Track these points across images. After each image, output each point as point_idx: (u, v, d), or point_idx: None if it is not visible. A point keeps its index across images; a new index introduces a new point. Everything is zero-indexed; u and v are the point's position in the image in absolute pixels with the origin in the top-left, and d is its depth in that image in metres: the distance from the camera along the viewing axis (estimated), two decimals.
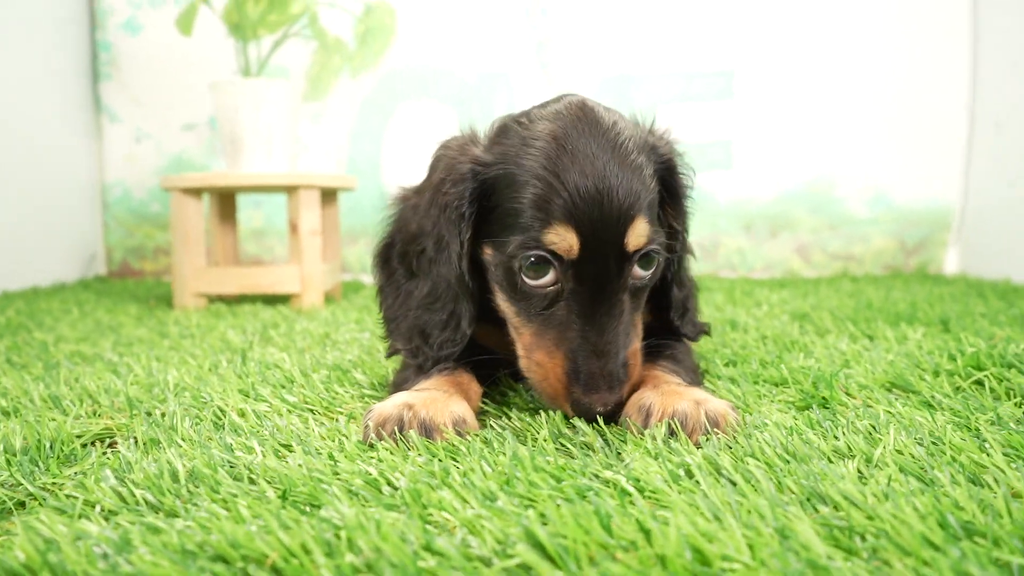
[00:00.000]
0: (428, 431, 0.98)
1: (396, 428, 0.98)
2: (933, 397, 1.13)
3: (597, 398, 1.00)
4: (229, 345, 1.76)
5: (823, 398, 1.16)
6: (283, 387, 1.28)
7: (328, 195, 2.83)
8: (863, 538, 0.67)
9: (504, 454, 0.90)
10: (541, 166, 1.02)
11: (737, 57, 3.51)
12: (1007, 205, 3.16)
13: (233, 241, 2.93)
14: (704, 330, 1.30)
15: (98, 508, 0.79)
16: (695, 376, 1.19)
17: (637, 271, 1.05)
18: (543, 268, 1.03)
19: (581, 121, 1.06)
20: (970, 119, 3.41)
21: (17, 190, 3.02)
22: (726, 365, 1.41)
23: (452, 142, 1.17)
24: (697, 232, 3.50)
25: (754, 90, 3.52)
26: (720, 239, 3.56)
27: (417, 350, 1.15)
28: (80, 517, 0.77)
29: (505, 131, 1.12)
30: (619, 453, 0.93)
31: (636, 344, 1.07)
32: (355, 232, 3.62)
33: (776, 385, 1.27)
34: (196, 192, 2.57)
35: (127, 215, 3.63)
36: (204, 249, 2.59)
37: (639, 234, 1.02)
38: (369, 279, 3.60)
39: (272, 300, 2.71)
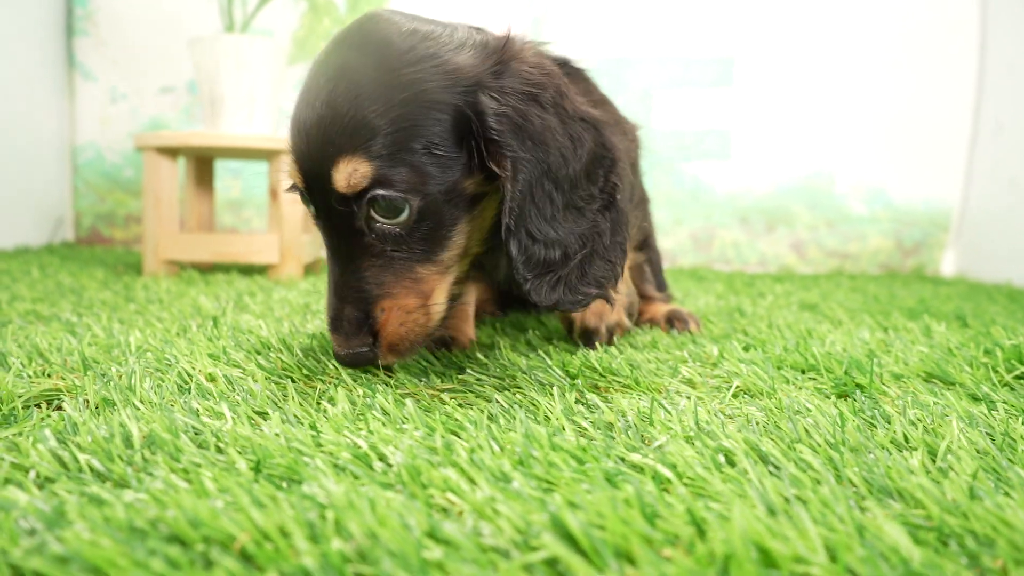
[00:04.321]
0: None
1: None
2: (980, 390, 1.02)
3: (335, 339, 0.93)
4: (200, 311, 1.62)
5: (859, 386, 1.05)
6: (258, 353, 1.15)
7: None
8: (960, 543, 0.55)
9: (514, 431, 0.78)
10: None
11: (737, 44, 3.40)
12: (1008, 208, 3.08)
13: (209, 210, 2.77)
14: (578, 303, 1.00)
15: (32, 474, 0.66)
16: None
17: (377, 217, 0.90)
18: (306, 200, 0.97)
19: (349, 37, 0.94)
20: (973, 120, 3.33)
21: None
22: (745, 349, 1.30)
23: None
24: (691, 223, 3.41)
25: (754, 79, 3.41)
26: (715, 231, 3.45)
27: None
28: (7, 483, 0.64)
29: None
30: (643, 436, 0.81)
31: (406, 300, 0.94)
32: None
33: (803, 372, 1.15)
34: (171, 152, 2.41)
35: (99, 179, 3.45)
36: (177, 214, 2.43)
37: (350, 173, 0.87)
38: None
39: (247, 271, 2.56)
